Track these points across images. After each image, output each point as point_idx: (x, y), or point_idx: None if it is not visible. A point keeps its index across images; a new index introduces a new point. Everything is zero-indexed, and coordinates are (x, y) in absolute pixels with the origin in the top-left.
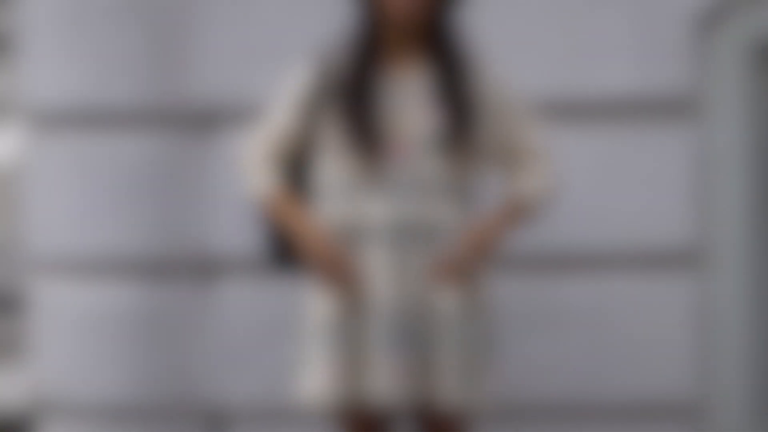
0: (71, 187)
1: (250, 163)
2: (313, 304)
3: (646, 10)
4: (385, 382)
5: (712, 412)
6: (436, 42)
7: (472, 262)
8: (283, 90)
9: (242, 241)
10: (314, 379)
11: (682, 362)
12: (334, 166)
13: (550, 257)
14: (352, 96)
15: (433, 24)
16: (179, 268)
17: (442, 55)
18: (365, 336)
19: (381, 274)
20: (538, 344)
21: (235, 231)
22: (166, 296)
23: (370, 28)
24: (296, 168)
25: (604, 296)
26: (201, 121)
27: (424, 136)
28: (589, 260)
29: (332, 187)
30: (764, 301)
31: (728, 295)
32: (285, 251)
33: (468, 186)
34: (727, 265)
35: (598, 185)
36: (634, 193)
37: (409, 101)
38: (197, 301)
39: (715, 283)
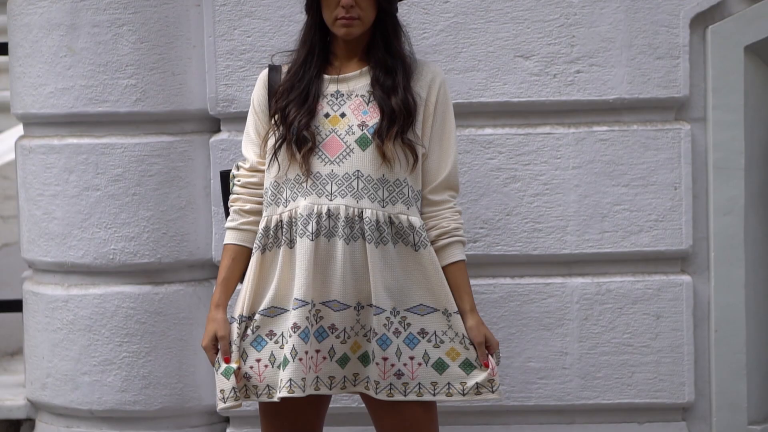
0: (67, 189)
1: (231, 205)
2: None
3: (643, 8)
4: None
5: (710, 413)
6: (377, 49)
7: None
8: (251, 105)
9: None
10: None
11: (679, 363)
12: (273, 171)
13: (548, 256)
14: (286, 99)
15: (373, 35)
16: (177, 270)
17: (380, 62)
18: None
19: (302, 265)
20: (535, 344)
21: None
22: (164, 298)
23: (318, 35)
24: None
25: (601, 297)
26: (197, 125)
27: (352, 137)
28: (587, 260)
29: (271, 190)
30: (763, 301)
31: (727, 295)
32: None
33: (403, 184)
34: (726, 264)
35: (596, 185)
36: (632, 192)
37: (346, 103)
38: (196, 302)
39: (714, 283)
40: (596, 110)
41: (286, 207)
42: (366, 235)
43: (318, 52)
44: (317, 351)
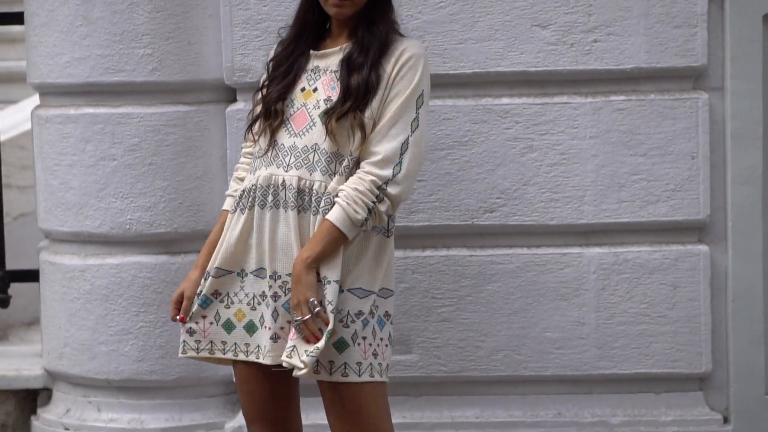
0: (84, 158)
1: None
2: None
3: None
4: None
5: (727, 383)
6: (360, 28)
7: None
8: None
9: None
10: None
11: (696, 333)
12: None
13: (565, 226)
14: (273, 74)
15: (360, 14)
16: (194, 240)
17: (359, 39)
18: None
19: (256, 234)
20: (552, 314)
21: None
22: (180, 268)
23: (311, 12)
24: None
25: (618, 267)
26: (213, 95)
27: (317, 111)
28: (604, 230)
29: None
30: None
31: (745, 265)
32: None
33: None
34: (744, 234)
35: (613, 154)
36: (649, 162)
37: (321, 78)
38: None
39: (731, 253)
40: (613, 79)
41: (253, 175)
42: (312, 206)
43: (310, 29)
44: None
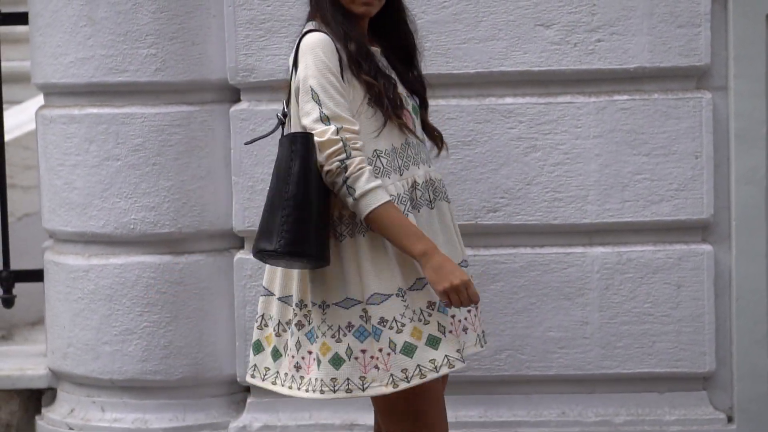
0: (87, 158)
1: (358, 170)
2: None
3: None
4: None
5: (730, 382)
6: (388, 28)
7: None
8: (321, 70)
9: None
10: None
11: (700, 332)
12: (386, 137)
13: (569, 226)
14: (373, 69)
15: (380, 12)
16: (198, 240)
17: (395, 37)
18: None
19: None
20: (556, 313)
21: (253, 203)
22: (184, 268)
23: (338, 8)
24: None
25: (622, 266)
26: (217, 95)
27: (409, 106)
28: (608, 229)
29: (387, 157)
30: None
31: (748, 264)
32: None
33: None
34: (747, 233)
35: (617, 154)
36: (653, 161)
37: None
38: (216, 272)
39: (735, 252)
40: (617, 79)
41: (401, 175)
42: (443, 196)
43: (352, 22)
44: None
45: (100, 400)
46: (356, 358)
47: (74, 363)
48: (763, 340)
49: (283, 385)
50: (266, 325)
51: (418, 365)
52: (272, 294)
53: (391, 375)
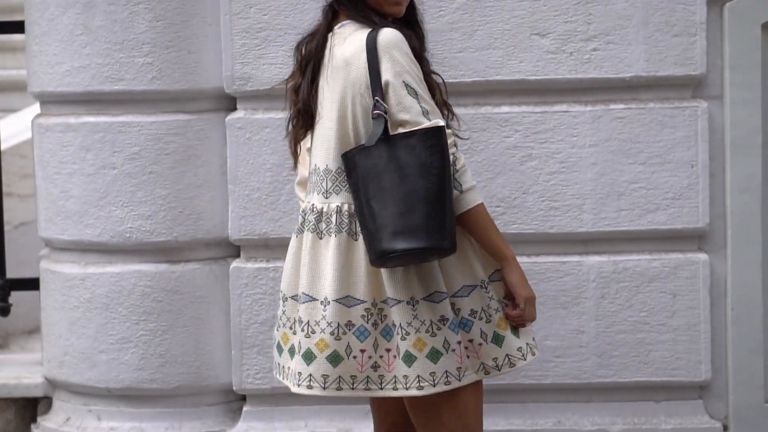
0: (84, 167)
1: (463, 165)
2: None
3: None
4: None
5: (726, 391)
6: (409, 22)
7: None
8: (410, 65)
9: (256, 221)
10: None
11: (696, 341)
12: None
13: (565, 235)
14: (428, 67)
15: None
16: (194, 249)
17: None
18: None
19: None
20: (552, 322)
21: (249, 212)
22: (180, 276)
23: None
24: None
25: (618, 275)
26: (213, 104)
27: None
28: (604, 238)
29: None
30: None
31: (744, 273)
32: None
33: None
34: (743, 242)
35: (612, 162)
36: (648, 170)
37: None
38: (212, 281)
39: (731, 261)
40: (613, 88)
41: None
42: None
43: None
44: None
45: (96, 409)
46: (453, 350)
47: (70, 371)
48: (759, 349)
49: (353, 389)
50: (314, 332)
51: (507, 354)
52: (315, 299)
53: (482, 364)
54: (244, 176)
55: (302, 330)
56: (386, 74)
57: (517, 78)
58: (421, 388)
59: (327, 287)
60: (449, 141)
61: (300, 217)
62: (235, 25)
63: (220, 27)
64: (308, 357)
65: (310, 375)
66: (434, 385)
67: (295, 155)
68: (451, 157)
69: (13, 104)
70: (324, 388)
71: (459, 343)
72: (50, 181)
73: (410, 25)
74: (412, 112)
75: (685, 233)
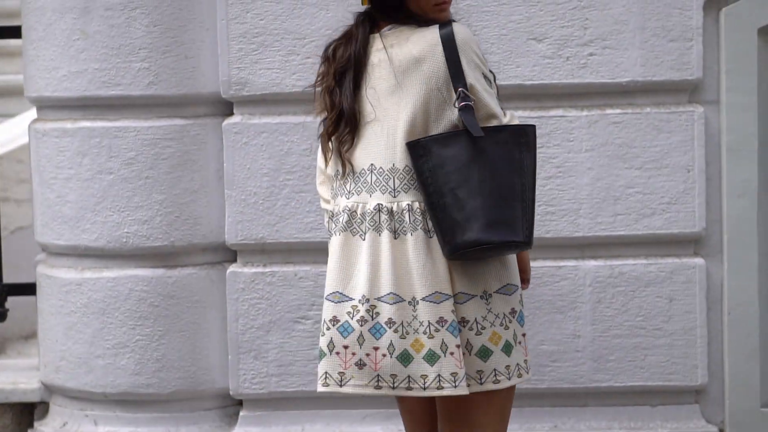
0: (80, 172)
1: None
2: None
3: None
4: None
5: (722, 396)
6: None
7: None
8: (482, 60)
9: (253, 226)
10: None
11: (692, 346)
12: None
13: (561, 239)
14: None
15: None
16: (190, 254)
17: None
18: None
19: None
20: (548, 326)
21: (246, 216)
22: (177, 281)
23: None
24: None
25: (614, 280)
26: (210, 109)
27: None
28: (600, 243)
29: None
30: None
31: (740, 278)
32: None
33: None
34: (739, 247)
35: (609, 167)
36: (645, 175)
37: None
38: (209, 285)
39: (727, 266)
40: (609, 93)
41: None
42: None
43: None
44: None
45: (92, 414)
46: (519, 343)
47: (67, 376)
48: (755, 354)
49: (456, 386)
50: (408, 333)
51: (517, 364)
52: (403, 299)
53: (525, 360)
54: (241, 181)
55: (395, 331)
56: (469, 67)
57: (513, 83)
58: (497, 382)
59: (416, 286)
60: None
61: (344, 216)
62: (231, 30)
63: (217, 32)
64: (406, 358)
65: (409, 377)
66: (509, 378)
67: (326, 156)
68: None
69: (10, 109)
70: (424, 389)
71: (524, 335)
72: (47, 186)
73: None
74: (498, 107)
75: (681, 238)
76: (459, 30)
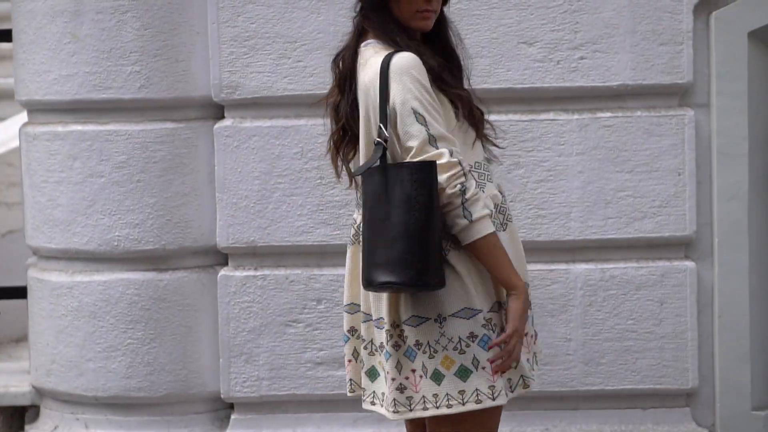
0: (71, 175)
1: (476, 194)
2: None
3: None
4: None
5: (713, 399)
6: (435, 39)
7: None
8: (420, 91)
9: (244, 229)
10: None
11: (683, 349)
12: (472, 154)
13: (552, 243)
14: (456, 81)
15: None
16: (182, 257)
17: (441, 50)
18: None
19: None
20: (539, 330)
21: (237, 220)
22: (168, 284)
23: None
24: None
25: (605, 283)
26: (201, 112)
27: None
28: (591, 246)
29: (475, 170)
30: (767, 287)
31: (731, 281)
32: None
33: None
34: (730, 250)
35: (600, 171)
36: (635, 178)
37: None
38: (200, 289)
39: (717, 269)
40: (600, 96)
41: (493, 190)
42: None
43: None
44: None
45: (83, 417)
46: (484, 368)
47: (58, 380)
48: (746, 357)
49: (382, 406)
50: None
51: (521, 375)
52: (370, 317)
53: (509, 379)
54: (232, 184)
55: (365, 348)
56: (394, 101)
57: (504, 86)
58: (450, 406)
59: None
60: (456, 171)
61: (352, 229)
62: (222, 34)
63: (208, 35)
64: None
65: (374, 392)
66: (463, 404)
67: (337, 169)
68: (459, 187)
69: (1, 112)
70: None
71: (491, 361)
72: (38, 190)
73: (437, 41)
74: (418, 139)
75: (672, 241)
76: (395, 60)
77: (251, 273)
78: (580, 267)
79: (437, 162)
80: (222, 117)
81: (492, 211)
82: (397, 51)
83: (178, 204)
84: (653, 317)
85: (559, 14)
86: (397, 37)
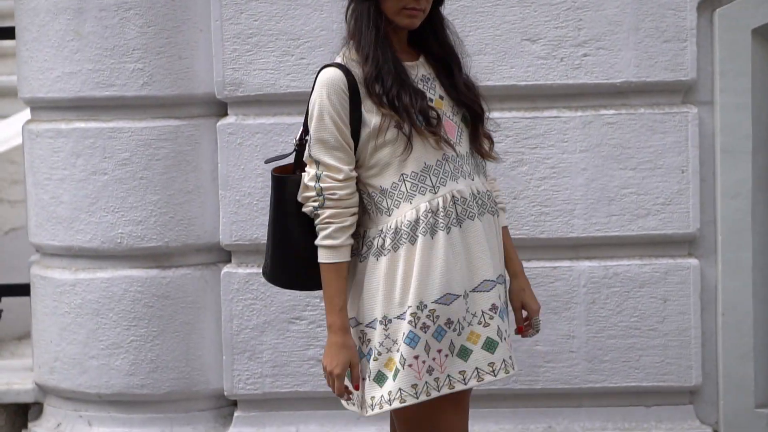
0: (74, 173)
1: (325, 223)
2: None
3: None
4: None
5: (717, 396)
6: (429, 36)
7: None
8: (321, 112)
9: (247, 227)
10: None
11: (686, 346)
12: (408, 163)
13: (555, 240)
14: (396, 86)
15: (426, 22)
16: (185, 254)
17: (437, 48)
18: None
19: (482, 246)
20: (542, 327)
21: (240, 217)
22: (171, 282)
23: (379, 25)
24: None
25: (608, 280)
26: (204, 109)
27: (458, 117)
28: (594, 243)
29: (407, 183)
30: None
31: (734, 278)
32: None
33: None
34: (733, 248)
35: (603, 168)
36: (639, 176)
37: (436, 87)
38: (203, 286)
39: (721, 266)
40: (603, 93)
41: (436, 193)
42: (489, 209)
43: (384, 35)
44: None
45: (87, 415)
46: (410, 366)
47: (61, 377)
48: (749, 354)
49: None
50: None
51: (476, 368)
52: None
53: (449, 376)
54: (235, 182)
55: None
56: (311, 112)
57: (507, 83)
58: (381, 407)
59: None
60: (307, 194)
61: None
62: (226, 31)
63: (211, 33)
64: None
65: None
66: (390, 403)
67: None
68: (310, 209)
69: (4, 110)
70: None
71: (416, 357)
72: (41, 187)
73: (424, 38)
74: (308, 151)
75: (675, 238)
76: (321, 75)
77: (254, 270)
78: (584, 264)
79: (303, 178)
80: (225, 114)
81: (340, 243)
82: (328, 65)
83: (181, 201)
84: (656, 315)
85: (562, 11)
86: (362, 38)
